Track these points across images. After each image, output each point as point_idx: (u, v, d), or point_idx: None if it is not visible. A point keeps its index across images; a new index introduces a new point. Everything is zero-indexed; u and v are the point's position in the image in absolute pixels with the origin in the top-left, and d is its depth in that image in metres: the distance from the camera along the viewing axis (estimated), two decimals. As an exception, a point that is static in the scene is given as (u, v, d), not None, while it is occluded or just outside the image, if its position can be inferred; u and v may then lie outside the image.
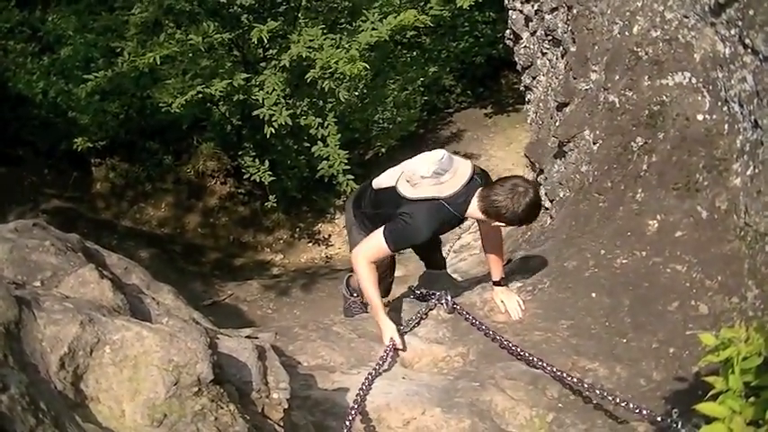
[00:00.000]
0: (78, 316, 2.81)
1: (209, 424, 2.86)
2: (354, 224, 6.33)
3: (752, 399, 2.51)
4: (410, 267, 10.99)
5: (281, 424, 3.51)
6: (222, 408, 2.94)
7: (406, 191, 5.56)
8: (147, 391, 2.78)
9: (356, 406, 4.26)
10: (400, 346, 5.44)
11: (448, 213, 5.45)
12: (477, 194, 5.39)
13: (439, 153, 5.55)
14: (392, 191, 5.70)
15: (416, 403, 4.50)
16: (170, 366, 2.83)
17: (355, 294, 7.08)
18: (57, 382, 2.63)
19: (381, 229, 5.49)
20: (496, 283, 6.03)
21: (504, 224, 5.49)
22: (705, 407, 2.59)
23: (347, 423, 3.51)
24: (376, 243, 5.51)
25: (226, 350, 3.54)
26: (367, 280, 5.55)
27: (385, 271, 6.38)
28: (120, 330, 2.86)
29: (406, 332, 5.57)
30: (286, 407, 3.58)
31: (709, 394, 2.65)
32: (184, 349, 2.90)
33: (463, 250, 11.18)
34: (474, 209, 5.41)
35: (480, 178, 5.55)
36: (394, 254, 6.04)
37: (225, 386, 3.06)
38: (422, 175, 5.47)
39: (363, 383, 4.61)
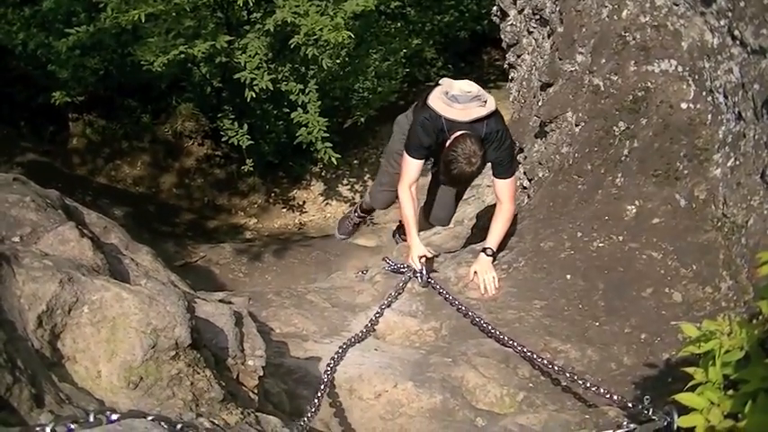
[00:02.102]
0: (58, 274, 2.78)
1: (184, 388, 2.85)
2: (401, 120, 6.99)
3: (730, 391, 2.52)
4: (383, 239, 11.01)
5: (255, 391, 3.51)
6: (198, 373, 2.93)
7: (431, 96, 6.19)
8: (124, 352, 2.76)
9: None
10: (417, 267, 5.99)
11: (437, 128, 6.03)
12: (460, 132, 5.91)
13: (469, 86, 6.18)
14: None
15: (388, 376, 4.51)
16: (148, 329, 2.81)
17: (355, 213, 7.88)
18: (34, 340, 2.61)
19: (405, 148, 6.27)
20: (483, 251, 6.09)
21: (442, 168, 6.11)
22: (683, 397, 2.61)
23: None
24: (406, 162, 6.24)
25: (203, 315, 3.52)
26: (406, 204, 6.27)
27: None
28: (100, 290, 2.84)
29: (383, 307, 5.57)
30: (261, 374, 3.57)
31: (688, 385, 2.66)
32: (163, 312, 2.88)
33: (437, 224, 11.18)
34: (450, 139, 5.96)
35: (490, 133, 6.03)
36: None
37: (202, 351, 3.05)
38: (445, 93, 6.09)
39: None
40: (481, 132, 5.97)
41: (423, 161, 6.27)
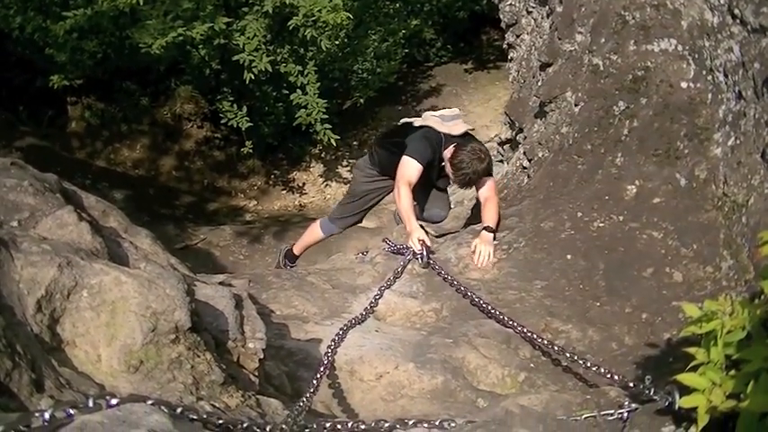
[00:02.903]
0: (56, 258, 2.77)
1: (185, 372, 2.85)
2: (365, 158, 7.81)
3: (732, 372, 2.52)
4: (384, 219, 10.99)
5: (256, 374, 3.50)
6: (199, 356, 2.93)
7: (416, 122, 7.00)
8: (123, 336, 2.76)
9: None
10: (417, 248, 6.08)
11: (437, 141, 6.72)
12: (453, 145, 6.65)
13: (455, 110, 7.27)
14: (409, 125, 7.10)
15: (389, 357, 4.51)
16: (148, 313, 2.81)
17: (288, 266, 8.11)
18: (33, 325, 2.60)
19: (406, 153, 6.67)
20: (485, 228, 6.30)
21: (449, 167, 6.67)
22: (685, 377, 2.60)
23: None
24: (407, 163, 6.61)
25: (203, 298, 3.52)
26: (404, 199, 6.52)
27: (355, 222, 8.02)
28: (99, 275, 2.83)
29: (384, 288, 5.58)
30: (262, 357, 3.57)
31: (689, 366, 2.65)
32: (162, 296, 2.87)
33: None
34: (447, 151, 6.69)
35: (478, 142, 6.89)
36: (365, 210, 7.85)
37: (202, 334, 3.04)
38: (432, 114, 7.01)
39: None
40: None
41: (422, 169, 6.62)
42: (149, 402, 2.30)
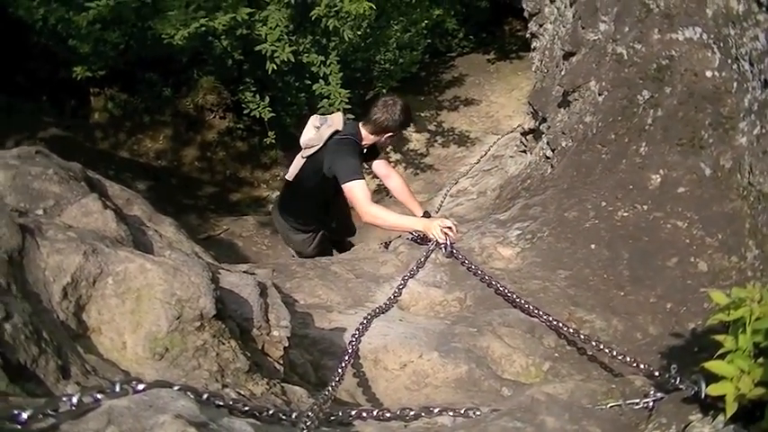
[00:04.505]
0: (82, 246, 2.78)
1: (210, 359, 2.85)
2: (287, 228, 7.43)
3: (761, 359, 2.50)
4: (406, 209, 11.02)
5: (281, 362, 3.50)
6: (224, 344, 2.93)
7: (306, 152, 6.84)
8: (149, 324, 2.76)
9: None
10: (441, 239, 6.01)
11: (350, 138, 6.67)
12: (361, 125, 6.81)
13: (312, 118, 7.05)
14: (305, 167, 6.91)
15: (413, 346, 4.49)
16: (173, 300, 2.81)
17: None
18: (59, 312, 2.61)
19: (343, 180, 6.36)
20: (425, 215, 6.94)
21: (390, 134, 6.83)
22: (713, 365, 2.58)
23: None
24: (353, 188, 6.33)
25: (227, 285, 3.52)
26: (382, 213, 6.38)
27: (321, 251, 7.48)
28: (124, 262, 2.84)
29: (407, 278, 5.56)
30: (286, 345, 3.57)
31: (717, 353, 2.63)
32: (188, 283, 2.87)
33: (460, 195, 11.17)
34: (366, 134, 6.79)
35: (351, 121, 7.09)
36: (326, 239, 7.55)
37: (227, 322, 3.04)
38: (310, 137, 6.80)
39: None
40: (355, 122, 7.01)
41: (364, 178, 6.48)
42: (176, 388, 2.31)
